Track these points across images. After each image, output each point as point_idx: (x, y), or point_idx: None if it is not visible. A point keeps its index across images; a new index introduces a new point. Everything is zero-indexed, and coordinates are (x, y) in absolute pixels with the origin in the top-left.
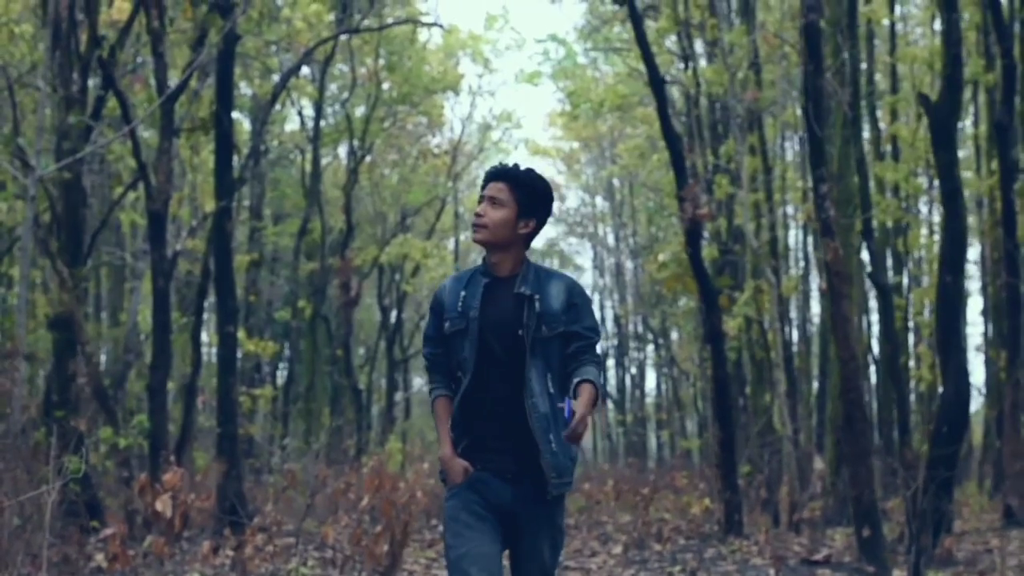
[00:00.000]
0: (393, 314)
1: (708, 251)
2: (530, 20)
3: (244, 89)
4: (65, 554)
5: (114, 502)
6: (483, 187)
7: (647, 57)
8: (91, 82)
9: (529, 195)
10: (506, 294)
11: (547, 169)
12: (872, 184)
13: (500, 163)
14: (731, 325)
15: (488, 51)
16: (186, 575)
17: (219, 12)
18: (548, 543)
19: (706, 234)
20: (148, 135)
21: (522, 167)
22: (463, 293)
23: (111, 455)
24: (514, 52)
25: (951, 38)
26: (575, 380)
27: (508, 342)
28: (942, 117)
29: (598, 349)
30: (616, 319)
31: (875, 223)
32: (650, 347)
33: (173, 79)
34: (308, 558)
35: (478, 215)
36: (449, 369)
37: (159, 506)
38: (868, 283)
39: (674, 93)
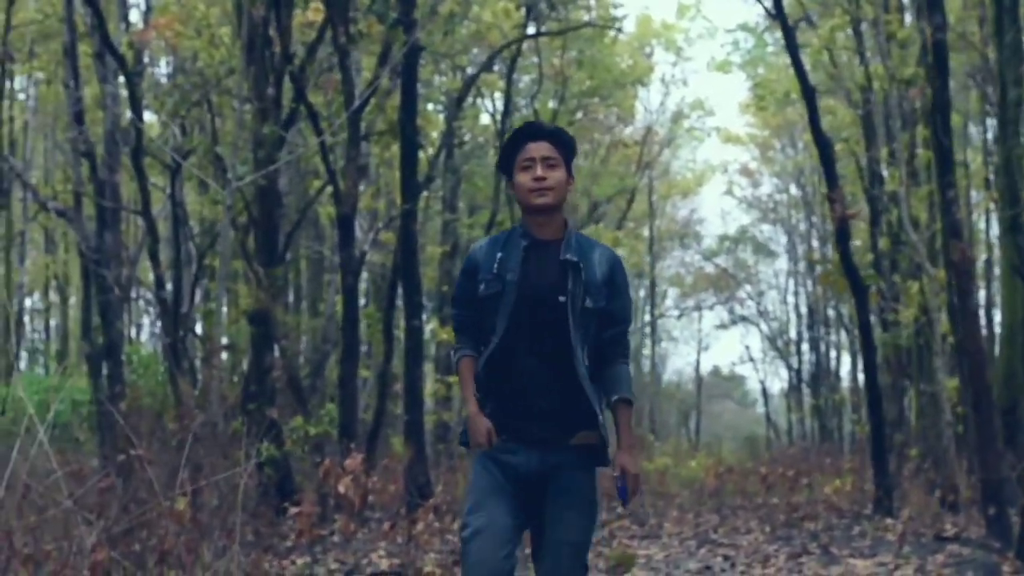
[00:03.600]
0: None
1: (884, 242)
2: (722, 8)
3: (438, 81)
4: (257, 530)
5: (311, 485)
6: (518, 146)
7: (798, 68)
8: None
9: (571, 152)
10: (549, 258)
11: (740, 155)
12: None
13: (529, 121)
14: (906, 315)
15: (680, 40)
16: (371, 551)
17: (402, 27)
18: (579, 516)
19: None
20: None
21: (546, 123)
22: (500, 255)
23: (305, 442)
24: (706, 40)
25: None
26: (613, 397)
27: (547, 308)
28: None
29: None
30: (809, 305)
31: None
32: (844, 333)
33: (363, 74)
34: None
35: (540, 178)
36: (479, 332)
37: (342, 488)
38: None
39: (850, 86)
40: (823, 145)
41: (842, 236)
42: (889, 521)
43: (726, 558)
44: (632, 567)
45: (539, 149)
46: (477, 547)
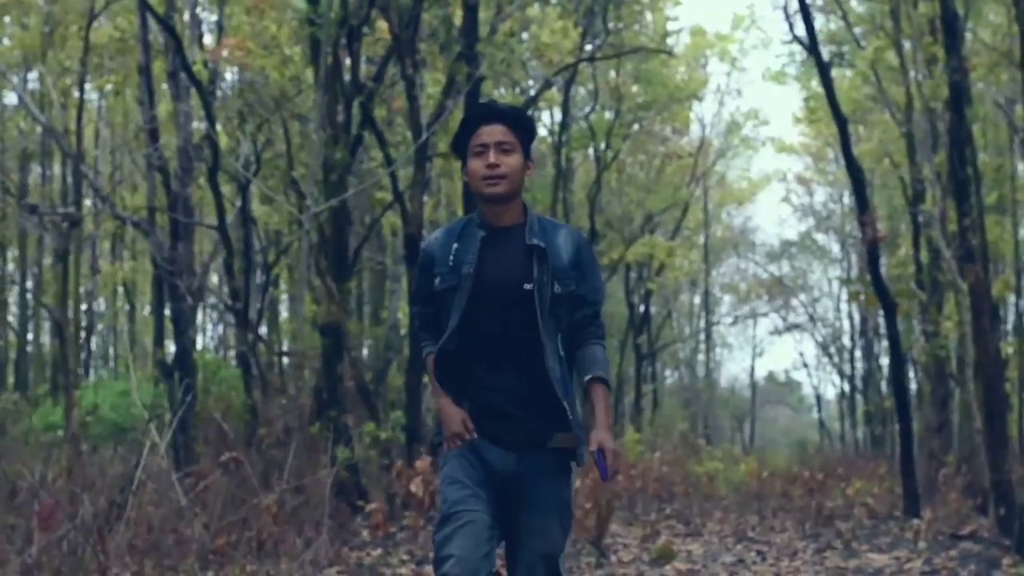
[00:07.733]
0: (640, 309)
1: (924, 256)
2: (777, 18)
3: (498, 95)
4: (340, 524)
5: (377, 487)
6: (470, 130)
7: (832, 100)
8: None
9: (529, 134)
10: (511, 246)
11: (794, 165)
12: None
13: (487, 101)
14: (947, 327)
15: (735, 50)
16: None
17: (465, 61)
18: (558, 520)
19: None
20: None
21: (503, 105)
22: (455, 246)
23: (375, 446)
24: (761, 51)
25: None
26: (585, 377)
27: (512, 299)
28: None
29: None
30: (862, 313)
31: None
32: None
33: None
34: None
35: (492, 165)
36: (439, 328)
37: (413, 488)
38: None
39: (898, 102)
40: (854, 170)
41: (872, 257)
42: (915, 522)
43: (759, 552)
44: (672, 559)
45: (492, 133)
46: (457, 544)
